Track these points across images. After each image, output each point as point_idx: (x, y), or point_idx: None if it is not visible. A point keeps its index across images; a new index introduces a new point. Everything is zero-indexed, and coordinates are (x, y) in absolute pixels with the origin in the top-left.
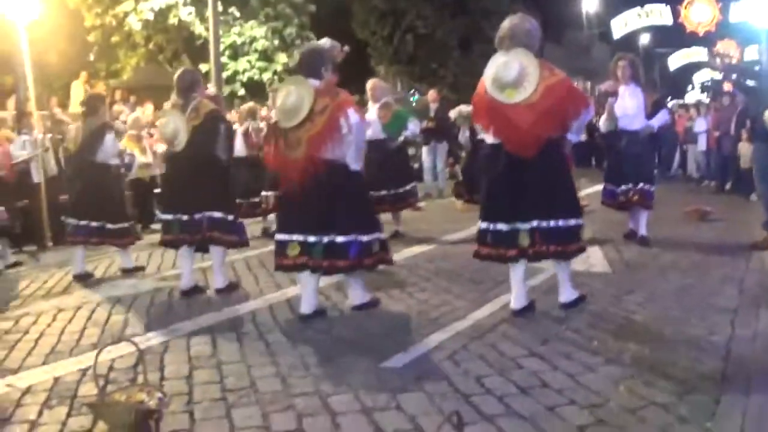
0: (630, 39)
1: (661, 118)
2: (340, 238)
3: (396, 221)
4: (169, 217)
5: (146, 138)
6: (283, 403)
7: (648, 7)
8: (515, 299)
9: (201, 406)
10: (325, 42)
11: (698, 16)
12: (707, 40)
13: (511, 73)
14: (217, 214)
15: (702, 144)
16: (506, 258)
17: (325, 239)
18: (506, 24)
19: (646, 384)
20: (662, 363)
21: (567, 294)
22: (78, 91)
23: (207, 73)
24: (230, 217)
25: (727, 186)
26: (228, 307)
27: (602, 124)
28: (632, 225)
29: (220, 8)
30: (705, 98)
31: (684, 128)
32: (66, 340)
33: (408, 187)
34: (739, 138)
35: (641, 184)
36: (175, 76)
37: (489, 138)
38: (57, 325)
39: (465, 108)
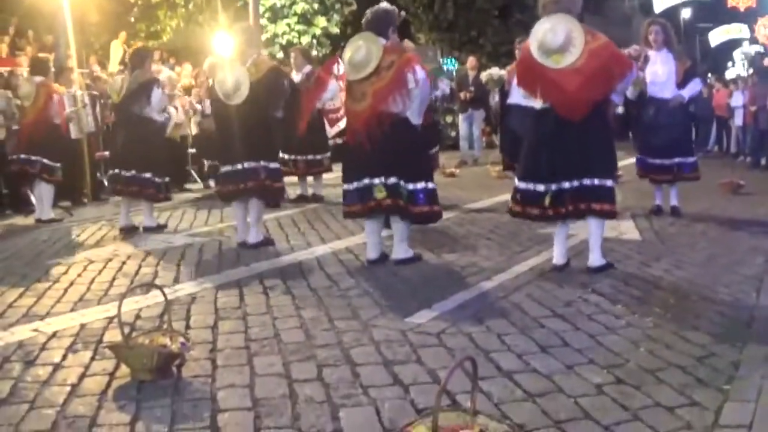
0: (671, 12)
1: (692, 88)
2: (402, 182)
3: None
4: (228, 168)
5: (179, 98)
6: (304, 353)
7: None
8: (557, 256)
9: (223, 353)
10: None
11: None
12: (748, 16)
13: (558, 38)
14: (273, 165)
15: (739, 119)
16: (544, 217)
17: (391, 180)
18: None
19: (666, 346)
20: (684, 327)
21: (596, 258)
22: (117, 50)
23: None
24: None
25: (763, 161)
26: (257, 263)
27: (630, 89)
28: (659, 200)
29: None
30: (744, 72)
31: (725, 103)
32: (95, 289)
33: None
34: None
35: (678, 158)
36: (233, 32)
37: (537, 103)
38: (87, 275)
39: (496, 71)
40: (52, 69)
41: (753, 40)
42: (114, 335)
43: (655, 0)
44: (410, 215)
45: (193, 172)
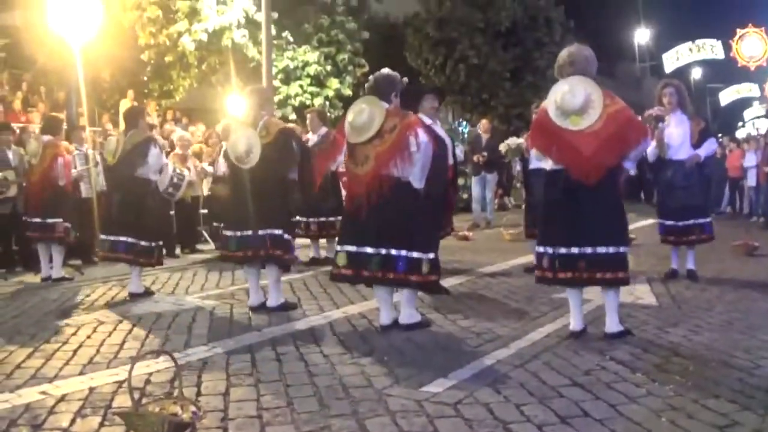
0: (681, 73)
1: (708, 148)
2: (393, 251)
3: None
4: (229, 233)
5: (191, 158)
6: (318, 423)
7: (699, 41)
8: (574, 322)
9: (235, 422)
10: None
11: (750, 51)
12: (758, 75)
13: (577, 100)
14: (279, 232)
15: (752, 179)
16: (562, 281)
17: (383, 251)
18: (565, 52)
19: (688, 416)
20: (705, 395)
21: (612, 325)
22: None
23: None
24: (288, 237)
25: None
26: (269, 328)
27: (650, 152)
28: (675, 264)
29: (273, 32)
30: (756, 133)
31: (739, 164)
32: (104, 352)
33: None
34: None
35: (693, 220)
36: (245, 93)
37: (548, 164)
38: (96, 336)
39: (514, 140)
40: (65, 127)
41: (763, 99)
42: (123, 400)
43: (665, 61)
44: (387, 281)
45: (204, 232)
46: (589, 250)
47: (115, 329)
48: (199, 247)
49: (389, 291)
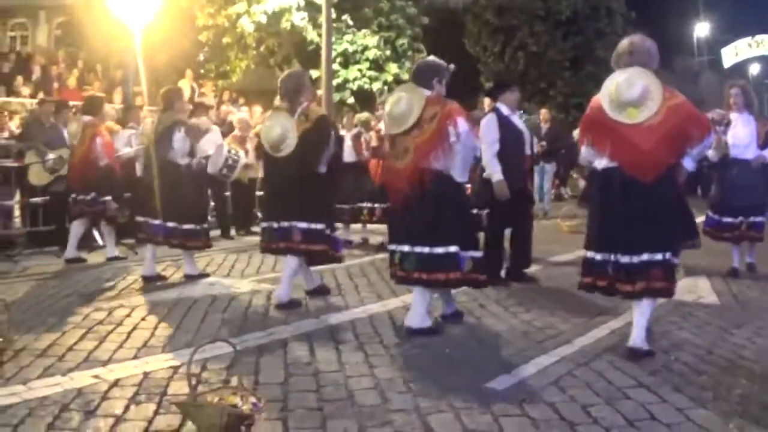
0: (740, 68)
1: None
2: (438, 249)
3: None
4: (265, 224)
5: (250, 140)
6: (381, 418)
7: (759, 37)
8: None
9: (295, 414)
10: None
11: None
12: None
13: (634, 91)
14: (315, 226)
15: None
16: (612, 290)
17: (426, 250)
18: (626, 41)
19: (756, 422)
20: None
21: (638, 339)
22: (185, 89)
23: (317, 79)
24: (323, 228)
25: None
26: (326, 315)
27: (711, 152)
28: (736, 262)
29: (333, 15)
30: None
31: None
32: (159, 335)
33: None
34: None
35: (752, 217)
36: (282, 78)
37: (601, 162)
38: (151, 319)
39: None
40: (112, 108)
41: None
42: (179, 387)
43: (724, 56)
44: (432, 282)
45: (260, 214)
46: (636, 258)
47: (169, 312)
48: (254, 229)
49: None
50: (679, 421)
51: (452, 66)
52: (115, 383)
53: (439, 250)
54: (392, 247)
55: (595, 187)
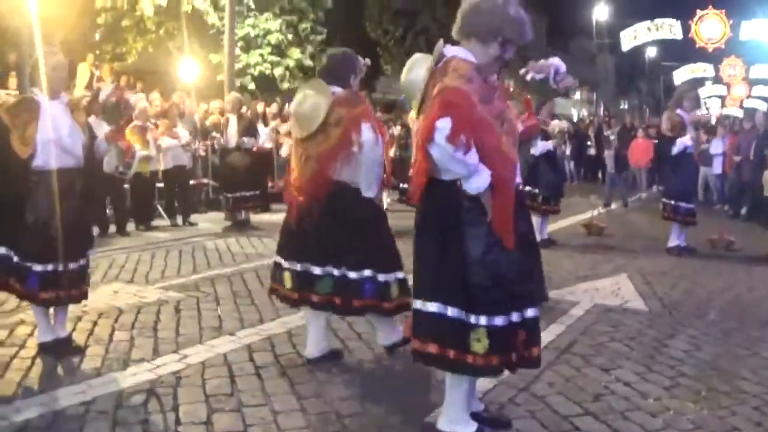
0: (637, 51)
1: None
2: (352, 274)
3: None
4: (285, 263)
5: (151, 130)
6: None
7: (658, 20)
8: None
9: None
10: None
11: (709, 33)
12: (713, 57)
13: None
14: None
15: (717, 167)
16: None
17: (335, 272)
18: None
19: None
20: (724, 427)
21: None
22: (84, 73)
23: (218, 64)
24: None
25: (743, 211)
26: (242, 332)
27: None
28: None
29: None
30: (706, 112)
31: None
32: (64, 364)
33: None
34: (763, 165)
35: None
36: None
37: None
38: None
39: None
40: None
41: (717, 80)
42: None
43: (623, 39)
44: (353, 310)
45: (159, 207)
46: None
47: (74, 329)
48: (154, 224)
49: (325, 315)
50: None
51: (368, 61)
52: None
53: (353, 274)
54: (284, 263)
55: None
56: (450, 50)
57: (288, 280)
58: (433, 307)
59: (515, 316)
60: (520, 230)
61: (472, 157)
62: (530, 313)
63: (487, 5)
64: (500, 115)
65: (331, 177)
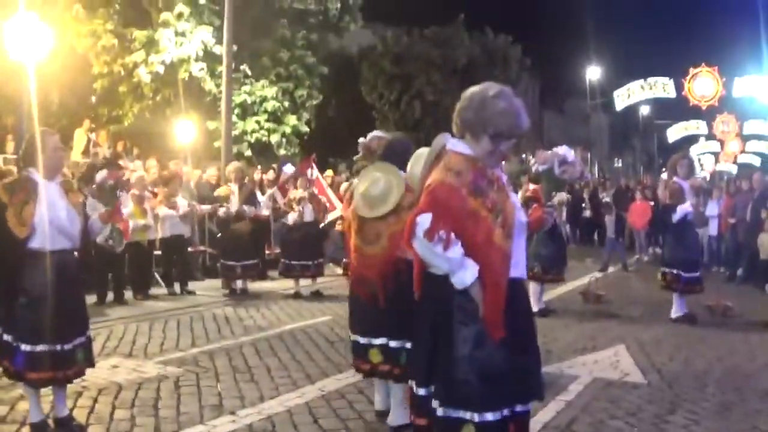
0: (631, 109)
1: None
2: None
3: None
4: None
5: (148, 199)
6: None
7: (651, 79)
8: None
9: None
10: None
11: (702, 90)
12: (706, 114)
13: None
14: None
15: (713, 229)
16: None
17: (408, 344)
18: None
19: None
20: None
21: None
22: (81, 138)
23: (215, 131)
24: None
25: (739, 272)
26: (242, 411)
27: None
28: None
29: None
30: (700, 169)
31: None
32: None
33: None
34: (759, 227)
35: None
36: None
37: None
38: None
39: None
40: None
41: (710, 136)
42: None
43: (616, 98)
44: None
45: (157, 275)
46: None
47: (74, 407)
48: (152, 292)
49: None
50: None
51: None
52: None
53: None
54: (362, 340)
55: None
56: (451, 143)
57: (375, 356)
58: (422, 391)
59: (506, 411)
60: (520, 327)
61: (455, 251)
62: (520, 408)
63: (477, 99)
64: (494, 207)
65: (403, 256)
